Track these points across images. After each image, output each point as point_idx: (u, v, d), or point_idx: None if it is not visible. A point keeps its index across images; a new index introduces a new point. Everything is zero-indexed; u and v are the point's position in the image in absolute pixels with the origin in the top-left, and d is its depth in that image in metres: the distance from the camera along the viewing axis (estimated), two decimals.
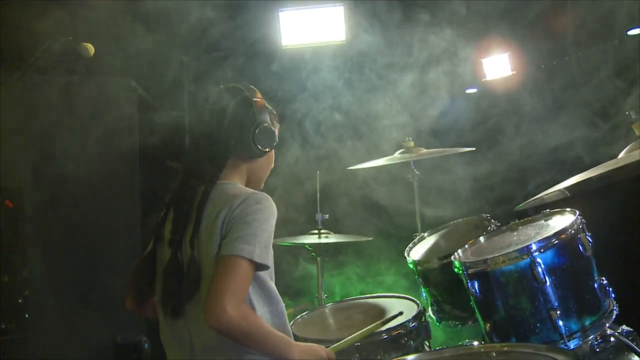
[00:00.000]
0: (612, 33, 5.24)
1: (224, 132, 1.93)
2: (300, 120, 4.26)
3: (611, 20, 4.90)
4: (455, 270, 2.33)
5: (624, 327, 2.40)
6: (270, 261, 1.81)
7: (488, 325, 2.24)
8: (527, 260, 2.12)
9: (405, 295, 2.70)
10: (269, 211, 1.84)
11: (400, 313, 2.44)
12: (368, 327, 2.23)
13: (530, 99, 5.60)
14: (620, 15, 4.85)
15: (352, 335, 2.20)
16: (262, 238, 1.78)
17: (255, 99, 1.97)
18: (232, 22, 4.49)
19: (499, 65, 5.17)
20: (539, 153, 5.35)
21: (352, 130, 4.52)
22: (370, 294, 2.88)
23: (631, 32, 5.20)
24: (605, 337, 2.30)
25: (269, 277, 1.92)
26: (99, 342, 4.25)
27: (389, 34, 4.87)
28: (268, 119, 1.98)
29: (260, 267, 1.79)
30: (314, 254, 3.13)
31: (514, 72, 5.19)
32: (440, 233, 2.95)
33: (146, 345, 4.24)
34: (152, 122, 4.71)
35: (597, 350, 2.27)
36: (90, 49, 2.89)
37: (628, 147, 1.81)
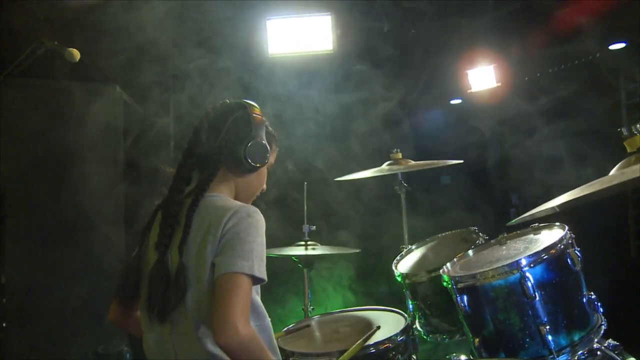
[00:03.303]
0: (594, 47, 5.31)
1: (219, 142, 1.93)
2: (287, 130, 4.24)
3: (593, 34, 4.96)
4: (444, 284, 2.32)
5: (611, 341, 2.41)
6: (266, 275, 1.79)
7: (477, 340, 2.23)
8: (517, 275, 2.12)
9: (393, 309, 2.69)
10: (260, 224, 1.83)
11: (378, 327, 2.47)
12: (351, 349, 2.23)
13: (515, 110, 5.66)
14: (602, 29, 4.92)
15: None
16: (258, 252, 1.77)
17: (254, 115, 1.97)
18: (219, 30, 4.47)
19: (484, 77, 5.20)
20: (525, 165, 5.40)
21: (340, 141, 4.51)
22: (357, 306, 2.85)
23: (612, 47, 5.28)
24: (592, 351, 2.31)
25: (255, 292, 1.91)
26: (79, 353, 4.18)
27: (376, 45, 4.88)
28: (263, 136, 1.97)
29: (257, 281, 1.78)
30: (300, 265, 3.11)
31: (499, 84, 5.23)
32: (428, 246, 2.94)
33: (128, 355, 4.18)
34: (137, 128, 4.67)
35: None
36: (76, 54, 2.85)
37: (619, 164, 1.81)
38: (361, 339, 2.26)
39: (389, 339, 2.36)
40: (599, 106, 5.39)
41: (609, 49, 5.29)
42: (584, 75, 5.46)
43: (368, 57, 4.90)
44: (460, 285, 2.23)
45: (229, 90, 4.30)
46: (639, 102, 5.68)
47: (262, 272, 1.77)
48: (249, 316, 1.75)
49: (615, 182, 1.51)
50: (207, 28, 4.45)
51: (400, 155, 3.20)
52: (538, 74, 5.84)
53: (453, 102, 6.29)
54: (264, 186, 2.10)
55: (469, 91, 5.34)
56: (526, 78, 5.89)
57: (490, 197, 5.62)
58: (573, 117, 5.17)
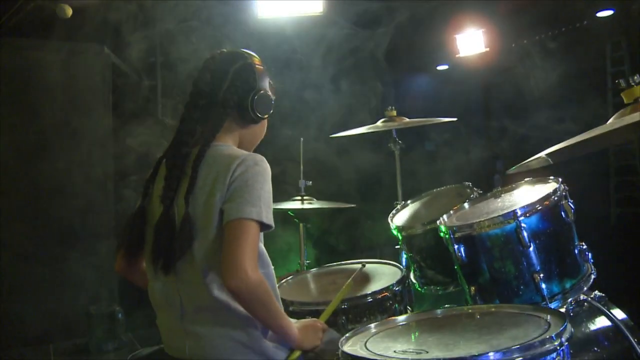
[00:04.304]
0: (582, 14, 5.35)
1: (223, 94, 1.93)
2: (280, 90, 4.25)
3: (582, 1, 4.99)
4: (441, 234, 2.37)
5: (597, 292, 2.48)
6: (273, 222, 1.82)
7: (473, 288, 2.29)
8: (513, 224, 2.16)
9: (388, 261, 2.75)
10: (267, 172, 1.85)
11: (363, 265, 2.59)
12: (342, 288, 2.31)
13: (501, 76, 5.70)
14: None
15: (332, 301, 2.25)
16: (265, 199, 1.80)
17: (257, 66, 1.98)
18: None
19: (473, 42, 5.22)
20: (509, 131, 5.46)
21: (333, 100, 4.53)
22: (353, 259, 2.90)
23: (600, 14, 5.32)
24: (579, 302, 2.39)
25: (259, 240, 1.93)
26: (72, 313, 4.21)
27: (365, 7, 4.87)
28: (267, 87, 1.99)
29: (265, 228, 1.80)
30: (296, 220, 3.15)
31: (488, 49, 5.26)
32: (422, 200, 2.98)
33: (120, 315, 4.21)
34: (125, 89, 4.64)
35: (572, 314, 2.35)
36: (68, 10, 2.82)
37: (616, 114, 1.86)
38: (349, 279, 2.31)
39: (386, 289, 2.42)
40: (585, 73, 5.46)
41: (596, 16, 5.33)
42: (571, 42, 5.51)
43: (357, 20, 4.89)
44: (457, 235, 2.28)
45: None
46: (624, 69, 5.76)
47: (269, 218, 1.80)
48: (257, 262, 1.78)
49: (616, 126, 1.55)
50: None
51: (394, 113, 3.23)
52: (525, 41, 5.88)
53: (440, 67, 6.32)
54: (263, 134, 2.12)
55: (457, 56, 5.36)
56: (513, 44, 5.93)
57: (474, 162, 5.68)
58: (559, 84, 5.24)
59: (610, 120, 1.85)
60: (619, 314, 2.39)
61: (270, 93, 1.99)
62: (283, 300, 2.39)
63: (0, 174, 3.99)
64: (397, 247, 2.84)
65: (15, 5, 2.75)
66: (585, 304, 2.41)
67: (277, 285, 2.01)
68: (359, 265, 2.69)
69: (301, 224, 3.13)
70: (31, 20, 2.80)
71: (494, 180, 6.16)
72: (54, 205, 4.16)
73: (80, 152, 4.28)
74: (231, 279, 1.70)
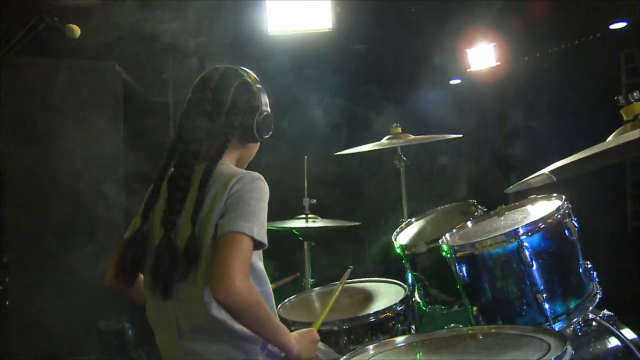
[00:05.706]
0: (595, 26, 5.30)
1: (226, 113, 1.93)
2: (288, 107, 4.26)
3: (595, 13, 4.95)
4: (443, 253, 2.35)
5: (605, 311, 2.44)
6: (266, 240, 1.81)
7: (475, 308, 2.26)
8: (515, 243, 2.14)
9: (393, 280, 2.72)
10: (264, 191, 1.85)
11: (350, 267, 2.43)
12: (331, 295, 2.20)
13: (514, 90, 5.67)
14: (603, 9, 4.91)
15: (323, 309, 2.15)
16: (259, 216, 1.78)
17: (257, 85, 1.98)
18: (218, 8, 4.46)
19: (484, 56, 5.19)
20: (524, 146, 5.41)
21: (339, 116, 4.52)
22: (357, 278, 2.88)
23: (613, 26, 5.27)
24: (587, 322, 2.34)
25: (258, 258, 1.92)
26: (81, 329, 4.22)
27: (375, 23, 4.88)
28: (267, 106, 1.99)
29: (258, 245, 1.79)
30: (301, 238, 3.14)
31: (499, 63, 5.22)
32: (427, 218, 2.97)
33: (129, 331, 4.21)
34: (136, 107, 4.68)
35: (580, 334, 2.30)
36: (76, 30, 2.84)
37: (616, 131, 1.83)
38: (339, 284, 2.26)
39: (388, 309, 2.40)
40: (599, 86, 5.40)
41: (609, 28, 5.28)
42: (585, 55, 5.46)
43: (367, 36, 4.90)
44: (459, 255, 2.26)
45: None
46: (639, 81, 5.69)
47: (262, 235, 1.78)
48: (250, 276, 1.75)
49: (612, 145, 1.53)
50: (206, 7, 4.44)
51: (400, 130, 3.22)
52: (537, 54, 5.84)
53: (452, 82, 6.29)
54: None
55: (468, 70, 5.33)
56: (526, 58, 5.89)
57: (489, 177, 5.64)
58: (573, 97, 5.18)
59: (609, 138, 1.82)
60: (629, 333, 2.34)
61: (270, 112, 2.00)
62: (284, 320, 2.39)
63: (10, 192, 4.03)
64: (403, 262, 2.81)
65: (26, 26, 2.78)
66: (594, 323, 2.37)
67: (275, 305, 1.99)
68: (363, 284, 2.68)
69: (306, 243, 3.12)
70: (41, 40, 2.83)
71: (509, 194, 6.10)
72: (63, 222, 4.18)
73: (92, 170, 4.30)
74: (219, 291, 1.66)
